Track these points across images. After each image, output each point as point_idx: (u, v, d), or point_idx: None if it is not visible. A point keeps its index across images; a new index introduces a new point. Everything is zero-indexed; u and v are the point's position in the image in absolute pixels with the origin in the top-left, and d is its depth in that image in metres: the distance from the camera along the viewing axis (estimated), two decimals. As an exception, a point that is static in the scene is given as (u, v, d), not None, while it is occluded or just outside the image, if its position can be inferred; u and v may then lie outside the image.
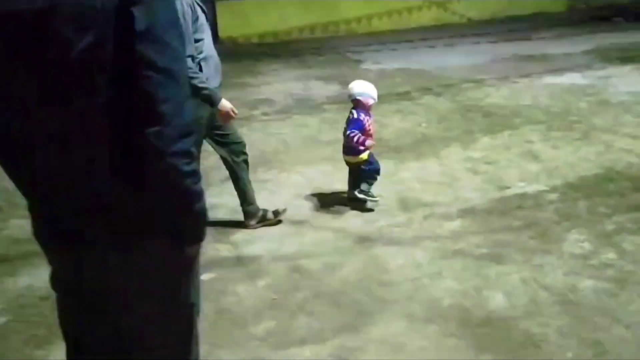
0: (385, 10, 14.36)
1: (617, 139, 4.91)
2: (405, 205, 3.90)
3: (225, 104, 3.23)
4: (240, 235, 3.57)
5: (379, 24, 14.23)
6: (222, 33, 12.86)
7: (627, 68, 8.09)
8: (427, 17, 14.82)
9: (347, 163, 3.94)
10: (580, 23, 12.29)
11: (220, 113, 3.25)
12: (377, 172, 3.87)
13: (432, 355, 2.38)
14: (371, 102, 3.92)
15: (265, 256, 3.29)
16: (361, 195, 3.80)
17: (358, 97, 3.87)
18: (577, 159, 4.53)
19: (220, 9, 12.83)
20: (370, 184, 3.83)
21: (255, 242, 3.47)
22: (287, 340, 2.53)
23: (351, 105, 3.94)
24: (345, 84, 8.07)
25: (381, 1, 14.35)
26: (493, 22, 14.16)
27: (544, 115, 5.79)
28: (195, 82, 2.94)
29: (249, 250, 3.39)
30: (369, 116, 3.89)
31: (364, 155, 3.80)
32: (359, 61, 9.82)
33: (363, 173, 3.83)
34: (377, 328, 2.58)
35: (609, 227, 3.40)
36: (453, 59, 9.24)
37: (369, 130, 3.84)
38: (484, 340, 2.46)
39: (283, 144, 5.39)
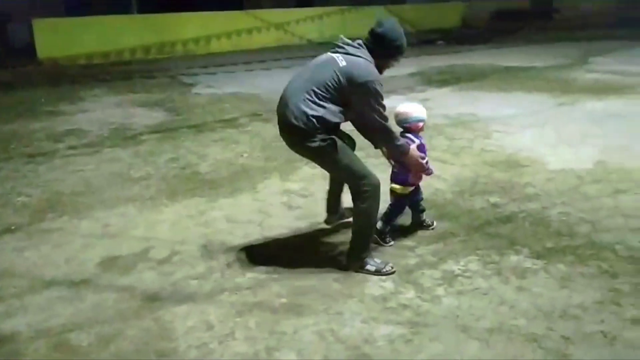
0: (224, 31, 14.11)
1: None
2: (209, 251, 3.55)
3: None
4: (0, 307, 2.96)
5: (218, 46, 13.92)
6: (41, 54, 11.71)
7: (444, 90, 8.59)
8: (268, 38, 14.84)
9: (393, 191, 3.59)
10: (408, 46, 13.01)
11: None
12: (401, 209, 3.64)
13: None
14: (421, 124, 3.53)
15: (25, 333, 2.74)
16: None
17: (407, 124, 3.50)
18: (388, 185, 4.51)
19: (37, 26, 11.67)
20: (389, 223, 3.57)
21: (18, 314, 2.89)
22: None
23: None
24: (172, 110, 7.68)
25: (220, 22, 14.07)
26: (332, 43, 14.51)
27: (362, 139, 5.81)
28: None
29: (7, 325, 2.80)
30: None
31: (409, 188, 3.57)
32: (190, 85, 9.39)
33: (394, 207, 3.60)
34: (143, 418, 2.18)
35: (412, 261, 3.34)
36: (285, 82, 9.17)
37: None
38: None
39: (84, 183, 4.78)
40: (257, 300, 3.00)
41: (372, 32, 3.10)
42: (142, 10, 13.68)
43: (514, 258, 3.31)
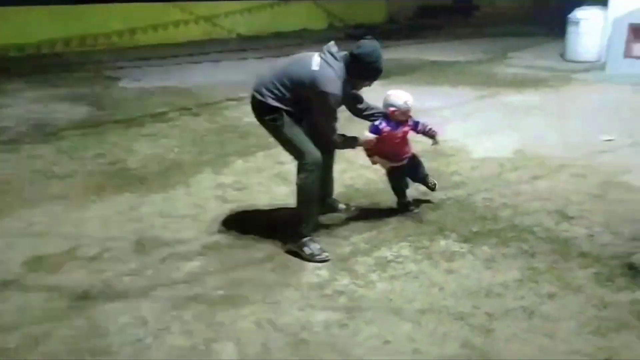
0: (150, 24, 13.69)
1: (358, 154, 5.12)
2: (142, 247, 3.48)
3: None
4: None
5: (143, 38, 13.49)
6: (-50, 46, 10.91)
7: (374, 84, 8.76)
8: (195, 31, 14.53)
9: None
10: (337, 40, 13.16)
11: None
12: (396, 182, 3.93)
13: None
14: (392, 109, 3.64)
15: (-56, 339, 2.59)
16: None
17: (385, 109, 3.71)
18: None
19: (-55, 17, 10.88)
20: (398, 195, 3.98)
21: None
22: None
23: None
24: (97, 105, 7.40)
25: (146, 14, 13.65)
26: (261, 37, 14.46)
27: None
28: None
29: None
30: (394, 127, 3.66)
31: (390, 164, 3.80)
32: (116, 79, 9.07)
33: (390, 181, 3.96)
34: (78, 417, 2.13)
35: (346, 249, 3.43)
36: (217, 76, 9.07)
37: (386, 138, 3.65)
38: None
39: (4, 183, 4.54)
40: (193, 293, 2.98)
41: (351, 52, 3.28)
42: (61, 1, 13.04)
43: (442, 243, 3.47)
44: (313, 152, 3.30)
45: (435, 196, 4.16)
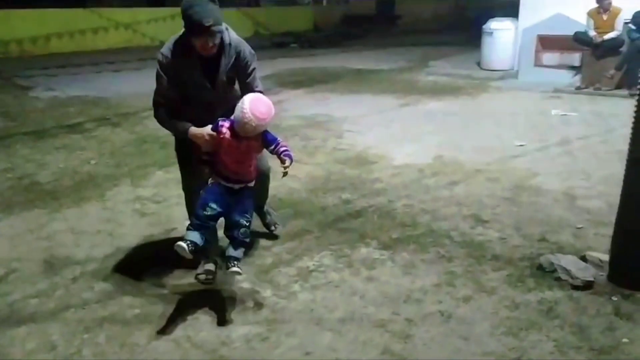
0: (65, 30, 13.13)
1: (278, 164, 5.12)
2: (51, 266, 3.30)
3: None
4: None
5: (59, 45, 12.92)
6: None
7: (298, 92, 8.81)
8: (116, 38, 14.09)
9: None
10: (263, 48, 13.15)
11: None
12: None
13: None
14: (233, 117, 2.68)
15: None
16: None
17: None
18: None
19: None
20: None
21: None
22: None
23: None
24: (5, 115, 6.99)
25: (61, 20, 13.07)
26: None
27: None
28: None
29: None
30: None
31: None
32: (27, 88, 8.61)
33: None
34: None
35: (268, 260, 3.39)
36: (138, 85, 8.78)
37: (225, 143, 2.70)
38: None
39: None
40: (107, 313, 2.85)
41: None
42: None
43: (364, 250, 3.50)
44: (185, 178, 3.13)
45: (357, 204, 4.21)
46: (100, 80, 9.36)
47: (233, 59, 2.84)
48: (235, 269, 2.74)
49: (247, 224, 2.78)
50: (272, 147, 2.74)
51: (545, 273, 3.07)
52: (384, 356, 2.50)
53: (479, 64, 10.85)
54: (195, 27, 2.62)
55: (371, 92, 8.76)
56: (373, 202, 4.25)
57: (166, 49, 2.79)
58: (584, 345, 2.49)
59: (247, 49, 2.91)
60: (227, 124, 2.69)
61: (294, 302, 2.95)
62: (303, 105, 7.75)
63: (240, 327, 2.73)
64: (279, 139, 2.77)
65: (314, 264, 3.34)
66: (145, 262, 3.36)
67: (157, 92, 2.88)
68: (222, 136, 2.69)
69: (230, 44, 2.81)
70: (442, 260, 3.35)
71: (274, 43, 14.42)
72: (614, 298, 2.82)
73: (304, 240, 3.64)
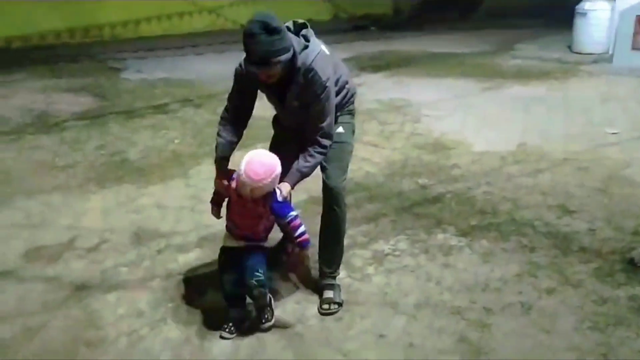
0: (154, 15, 13.64)
1: (360, 147, 5.09)
2: (139, 238, 3.48)
3: None
4: None
5: (147, 29, 13.45)
6: (-47, 36, 10.92)
7: (377, 76, 8.72)
8: (200, 22, 14.48)
9: None
10: (342, 32, 13.09)
11: None
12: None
13: None
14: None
15: (-60, 329, 2.60)
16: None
17: None
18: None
19: (-52, 8, 10.88)
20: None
21: None
22: None
23: None
24: (100, 96, 7.40)
25: (150, 5, 13.61)
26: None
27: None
28: None
29: None
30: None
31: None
32: (119, 70, 9.05)
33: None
34: (71, 408, 2.14)
35: (344, 243, 3.40)
36: (219, 67, 9.02)
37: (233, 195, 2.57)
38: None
39: (4, 173, 4.55)
40: (188, 284, 2.98)
41: None
42: (65, -8, 13.02)
43: (440, 236, 3.44)
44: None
45: (434, 190, 4.14)
46: (185, 63, 9.68)
47: (302, 84, 2.50)
48: (266, 325, 2.57)
49: (259, 283, 2.48)
50: (283, 221, 2.44)
51: (638, 268, 2.89)
52: (460, 345, 2.46)
53: (569, 47, 10.26)
54: (247, 58, 2.40)
55: (451, 76, 8.51)
56: (451, 188, 4.16)
57: (244, 60, 2.52)
58: (678, 346, 2.33)
59: (319, 79, 2.47)
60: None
61: (369, 285, 2.96)
62: (381, 88, 7.66)
63: (315, 306, 2.77)
64: (292, 213, 2.42)
65: (389, 248, 3.32)
66: (225, 238, 3.47)
67: (229, 94, 2.76)
68: (232, 187, 2.50)
69: (300, 68, 2.47)
70: (524, 250, 3.23)
71: (353, 26, 14.32)
72: None
73: (380, 224, 3.63)
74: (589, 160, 4.64)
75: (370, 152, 5.01)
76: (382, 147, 5.15)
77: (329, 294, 2.79)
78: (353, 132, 2.85)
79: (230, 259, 2.57)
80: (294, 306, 2.78)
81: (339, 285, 2.86)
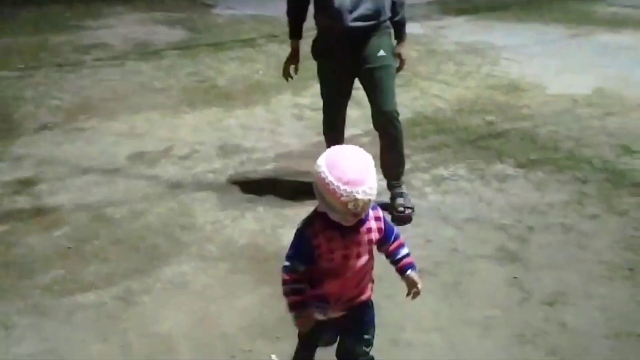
0: (245, -46, 13.95)
1: (433, 85, 5.29)
2: (225, 151, 3.96)
3: None
4: (44, 186, 3.43)
5: (238, -32, 13.82)
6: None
7: (460, 19, 8.65)
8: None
9: None
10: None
11: None
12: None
13: (216, 291, 2.51)
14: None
15: (66, 206, 3.21)
16: None
17: None
18: (394, 104, 4.83)
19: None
20: None
21: (59, 192, 3.36)
22: (73, 287, 2.53)
23: None
24: (192, 29, 7.93)
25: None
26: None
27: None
28: None
29: (50, 200, 3.27)
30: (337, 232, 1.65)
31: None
32: (211, 6, 9.52)
33: None
34: (168, 269, 2.66)
35: (407, 166, 3.69)
36: (310, 6, 9.28)
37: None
38: (269, 273, 2.62)
39: (111, 91, 5.16)
40: (264, 191, 3.42)
41: None
42: None
43: (499, 167, 3.66)
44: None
45: (500, 126, 4.30)
46: (272, 1, 10.01)
47: None
48: None
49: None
50: (392, 243, 1.73)
51: (685, 203, 3.01)
52: (498, 252, 2.74)
53: (675, -6, 9.59)
54: None
55: (541, 21, 8.28)
56: (517, 126, 4.31)
57: None
58: None
59: None
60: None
61: (424, 201, 3.26)
62: (464, 32, 7.64)
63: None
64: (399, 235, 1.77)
65: (448, 173, 3.59)
66: (299, 156, 3.87)
67: None
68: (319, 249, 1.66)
69: None
70: (576, 182, 3.40)
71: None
72: None
73: (442, 153, 3.88)
74: (665, 107, 4.59)
75: (442, 90, 5.18)
76: (454, 86, 5.30)
77: (400, 200, 3.05)
78: (393, 54, 3.01)
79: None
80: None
81: (407, 193, 3.13)
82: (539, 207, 3.13)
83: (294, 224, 3.04)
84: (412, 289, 1.72)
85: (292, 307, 1.68)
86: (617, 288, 2.47)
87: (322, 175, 1.50)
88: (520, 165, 3.66)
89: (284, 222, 3.07)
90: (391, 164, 3.12)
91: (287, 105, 4.88)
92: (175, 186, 3.47)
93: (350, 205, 1.47)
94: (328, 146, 2.70)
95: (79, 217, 3.10)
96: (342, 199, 1.47)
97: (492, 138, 4.11)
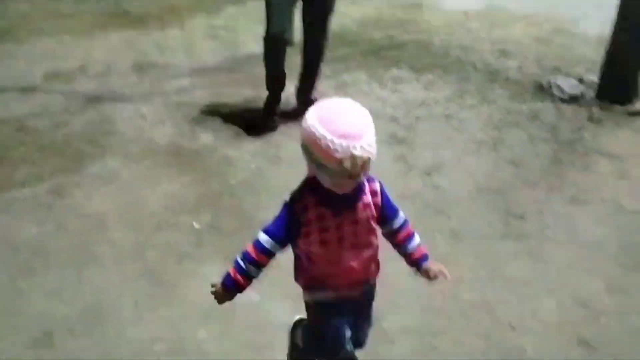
0: None
1: (340, 3, 5.55)
2: (140, 68, 4.13)
3: None
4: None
5: None
6: None
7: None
8: None
9: None
10: None
11: None
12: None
13: (141, 182, 2.81)
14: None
15: (-12, 121, 3.34)
16: None
17: None
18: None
19: None
20: None
21: (-22, 110, 3.47)
22: (8, 184, 2.74)
23: None
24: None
25: None
26: None
27: None
28: None
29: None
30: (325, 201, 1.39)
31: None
32: None
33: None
34: (94, 167, 2.92)
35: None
36: None
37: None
38: (189, 165, 2.95)
39: (21, 17, 5.10)
40: (182, 100, 3.67)
41: None
42: None
43: (395, 71, 4.08)
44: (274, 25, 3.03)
45: (399, 38, 4.70)
46: None
47: None
48: None
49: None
50: (396, 224, 1.50)
51: (544, 91, 3.56)
52: (390, 139, 3.18)
53: None
54: None
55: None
56: (414, 38, 4.73)
57: None
58: (551, 138, 3.06)
59: None
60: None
61: (327, 103, 3.63)
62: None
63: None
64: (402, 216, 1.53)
65: (350, 79, 3.97)
66: (215, 69, 4.11)
67: None
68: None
69: None
70: (460, 81, 3.89)
71: None
72: (593, 109, 3.30)
73: (346, 62, 4.24)
74: (544, 16, 5.14)
75: (350, 9, 5.49)
76: (360, 5, 5.62)
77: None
78: None
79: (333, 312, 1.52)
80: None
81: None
82: (426, 101, 3.59)
83: (208, 125, 3.36)
84: (435, 278, 1.46)
85: (228, 285, 1.38)
86: (483, 157, 2.99)
87: (312, 129, 1.24)
88: (413, 70, 4.09)
89: (202, 126, 3.35)
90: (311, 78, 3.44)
91: (201, 26, 5.04)
92: (94, 100, 3.65)
93: (346, 164, 1.21)
94: (270, 55, 3.10)
95: (2, 129, 3.24)
96: (337, 154, 1.21)
97: (392, 49, 4.51)
